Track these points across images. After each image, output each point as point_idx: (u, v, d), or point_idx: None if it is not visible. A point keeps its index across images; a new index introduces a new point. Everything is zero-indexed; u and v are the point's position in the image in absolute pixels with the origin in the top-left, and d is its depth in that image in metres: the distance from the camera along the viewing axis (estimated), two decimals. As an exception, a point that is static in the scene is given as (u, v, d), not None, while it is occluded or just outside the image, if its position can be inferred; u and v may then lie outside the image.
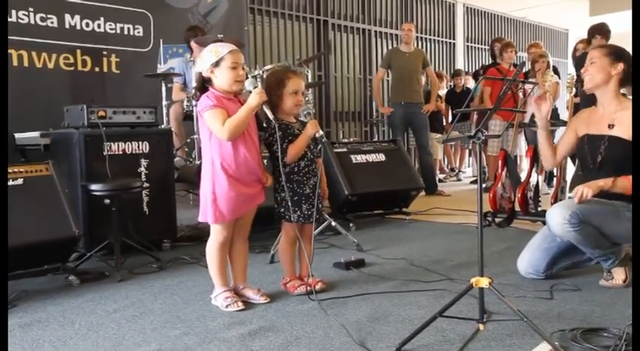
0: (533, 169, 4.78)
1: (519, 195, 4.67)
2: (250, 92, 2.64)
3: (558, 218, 2.75)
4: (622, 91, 2.96)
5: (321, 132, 2.81)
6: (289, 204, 2.79)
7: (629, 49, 2.99)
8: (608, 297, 2.74)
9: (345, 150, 5.06)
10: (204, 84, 2.70)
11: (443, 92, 8.86)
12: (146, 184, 3.92)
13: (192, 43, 5.45)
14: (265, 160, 2.95)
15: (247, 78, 2.75)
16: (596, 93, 3.02)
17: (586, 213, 2.73)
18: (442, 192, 6.97)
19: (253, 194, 2.73)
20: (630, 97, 2.96)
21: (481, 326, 2.26)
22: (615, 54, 2.93)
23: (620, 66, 2.89)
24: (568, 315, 2.51)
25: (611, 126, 2.91)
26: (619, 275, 2.88)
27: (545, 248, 3.03)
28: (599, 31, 6.11)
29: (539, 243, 3.08)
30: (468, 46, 11.40)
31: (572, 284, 2.92)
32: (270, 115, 2.70)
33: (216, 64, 2.62)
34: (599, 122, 2.98)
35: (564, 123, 5.00)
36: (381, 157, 5.19)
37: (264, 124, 2.85)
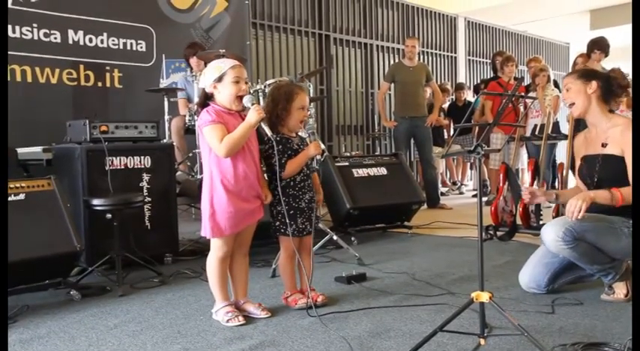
0: (535, 183, 4.78)
1: (521, 208, 4.67)
2: (249, 108, 2.65)
3: (552, 236, 2.74)
4: (622, 109, 2.97)
5: (326, 152, 2.82)
6: (286, 218, 2.79)
7: (629, 61, 3.00)
8: (610, 311, 2.73)
9: (346, 164, 5.05)
10: (205, 100, 2.72)
11: (445, 106, 8.88)
12: (148, 199, 3.93)
13: (192, 59, 5.48)
14: (265, 175, 2.96)
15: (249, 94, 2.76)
16: (585, 118, 3.03)
17: (580, 230, 2.71)
18: (444, 205, 6.97)
19: (252, 210, 2.73)
20: (622, 113, 2.96)
21: (482, 341, 2.26)
22: (585, 75, 2.97)
23: (594, 83, 2.90)
24: (569, 329, 2.50)
25: (604, 145, 2.91)
26: (620, 290, 2.87)
27: (546, 263, 3.02)
28: (598, 45, 6.15)
29: (540, 258, 3.07)
30: (469, 59, 11.45)
31: (574, 298, 2.91)
32: (269, 132, 2.70)
33: (219, 79, 2.64)
34: (594, 142, 2.99)
35: (565, 136, 5.01)
36: (383, 170, 5.19)
37: (265, 138, 2.86)
